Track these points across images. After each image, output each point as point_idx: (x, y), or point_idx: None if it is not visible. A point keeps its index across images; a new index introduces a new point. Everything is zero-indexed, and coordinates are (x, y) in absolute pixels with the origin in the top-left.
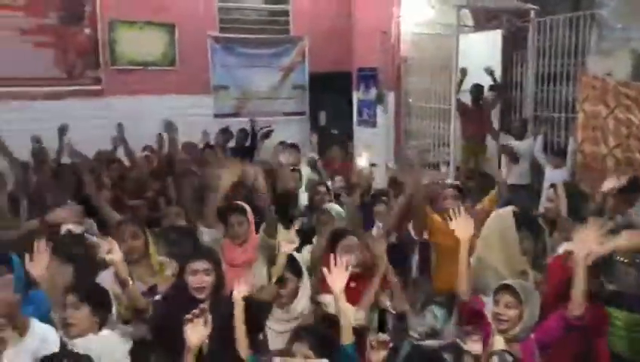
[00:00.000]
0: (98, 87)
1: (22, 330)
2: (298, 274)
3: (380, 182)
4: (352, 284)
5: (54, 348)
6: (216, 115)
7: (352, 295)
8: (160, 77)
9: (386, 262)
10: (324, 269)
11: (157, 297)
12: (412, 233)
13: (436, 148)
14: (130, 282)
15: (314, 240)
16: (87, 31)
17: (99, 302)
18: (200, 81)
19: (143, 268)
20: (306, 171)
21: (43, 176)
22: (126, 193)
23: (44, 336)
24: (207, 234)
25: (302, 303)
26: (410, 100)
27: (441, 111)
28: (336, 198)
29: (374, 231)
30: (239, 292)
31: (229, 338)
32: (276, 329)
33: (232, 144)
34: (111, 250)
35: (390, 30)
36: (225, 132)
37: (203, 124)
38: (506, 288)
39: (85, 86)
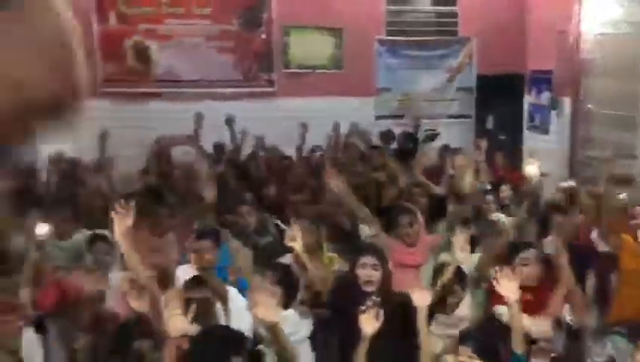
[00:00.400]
0: (271, 89)
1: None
2: (464, 286)
3: (551, 192)
4: (529, 296)
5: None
6: (377, 117)
7: (529, 307)
8: (327, 79)
9: (570, 274)
10: (494, 281)
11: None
12: (596, 244)
13: (617, 160)
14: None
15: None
16: (263, 36)
17: (289, 283)
18: (364, 84)
19: (314, 261)
20: (468, 179)
21: (225, 168)
22: (289, 189)
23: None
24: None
25: (464, 310)
26: (590, 106)
27: (626, 119)
28: (502, 208)
29: (548, 241)
30: (423, 299)
31: (397, 333)
32: (437, 333)
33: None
34: (294, 238)
35: (569, 29)
36: (387, 134)
37: (365, 126)
38: None
39: (259, 88)
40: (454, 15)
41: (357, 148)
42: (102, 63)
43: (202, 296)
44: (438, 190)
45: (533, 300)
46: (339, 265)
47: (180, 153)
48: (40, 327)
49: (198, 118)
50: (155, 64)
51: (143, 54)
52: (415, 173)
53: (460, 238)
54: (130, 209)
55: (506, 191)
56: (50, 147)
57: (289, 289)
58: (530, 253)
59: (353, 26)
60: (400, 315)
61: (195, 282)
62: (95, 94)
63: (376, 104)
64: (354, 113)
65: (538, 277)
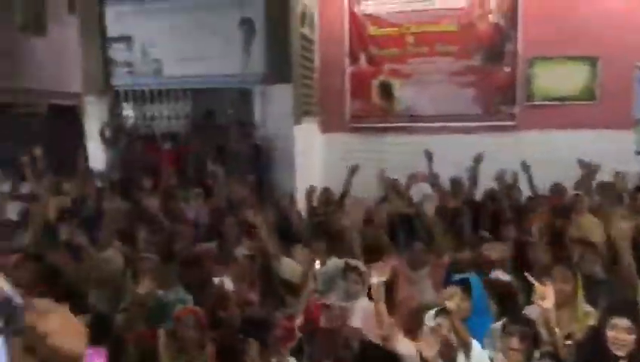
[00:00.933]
0: (512, 123)
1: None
2: None
3: None
4: None
5: None
6: (638, 153)
7: None
8: (576, 111)
9: None
10: None
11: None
12: None
13: None
14: (556, 330)
15: None
16: (506, 69)
17: (534, 338)
18: (621, 115)
19: (567, 314)
20: None
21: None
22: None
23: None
24: None
25: None
26: None
27: None
28: None
29: None
30: None
31: None
32: None
33: None
34: (544, 296)
35: None
36: None
37: (621, 162)
38: None
39: (500, 121)
40: None
41: (614, 190)
42: (350, 100)
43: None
44: None
45: None
46: (594, 320)
47: (416, 191)
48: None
49: (428, 154)
50: (398, 101)
51: (386, 91)
52: None
53: None
54: None
55: None
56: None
57: (531, 344)
58: None
59: (611, 54)
60: None
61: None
62: (344, 129)
63: (636, 137)
64: (609, 147)
65: None
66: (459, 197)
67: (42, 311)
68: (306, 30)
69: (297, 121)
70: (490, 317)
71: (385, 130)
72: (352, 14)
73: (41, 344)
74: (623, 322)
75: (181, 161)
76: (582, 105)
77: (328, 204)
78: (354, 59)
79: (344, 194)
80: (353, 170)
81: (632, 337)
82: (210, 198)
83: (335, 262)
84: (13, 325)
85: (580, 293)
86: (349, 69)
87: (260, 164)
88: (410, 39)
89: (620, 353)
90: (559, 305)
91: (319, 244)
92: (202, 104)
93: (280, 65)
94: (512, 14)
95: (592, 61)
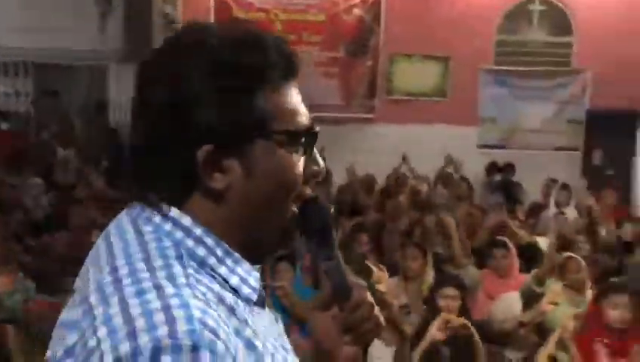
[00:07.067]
0: (372, 116)
1: None
2: None
3: None
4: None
5: None
6: (479, 146)
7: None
8: (429, 107)
9: None
10: None
11: None
12: None
13: None
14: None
15: None
16: (368, 63)
17: None
18: (468, 113)
19: (414, 286)
20: (572, 215)
21: None
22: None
23: None
24: None
25: None
26: None
27: None
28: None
29: None
30: None
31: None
32: None
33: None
34: (380, 280)
35: None
36: (491, 167)
37: (466, 155)
38: None
39: (361, 114)
40: (569, 46)
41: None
42: None
43: None
44: None
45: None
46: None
47: None
48: None
49: None
50: None
51: None
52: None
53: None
54: None
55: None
56: None
57: None
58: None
59: (460, 56)
60: None
61: None
62: None
63: (480, 133)
64: (455, 142)
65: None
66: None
67: None
68: (167, 8)
69: None
70: None
71: None
72: None
73: None
74: (450, 291)
75: (20, 143)
76: (434, 102)
77: None
78: None
79: None
80: None
81: (458, 303)
82: (57, 188)
83: None
84: None
85: (430, 269)
86: None
87: (116, 150)
88: (278, 26)
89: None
90: (408, 278)
91: None
92: (47, 81)
93: (139, 42)
94: (376, 10)
95: (444, 61)
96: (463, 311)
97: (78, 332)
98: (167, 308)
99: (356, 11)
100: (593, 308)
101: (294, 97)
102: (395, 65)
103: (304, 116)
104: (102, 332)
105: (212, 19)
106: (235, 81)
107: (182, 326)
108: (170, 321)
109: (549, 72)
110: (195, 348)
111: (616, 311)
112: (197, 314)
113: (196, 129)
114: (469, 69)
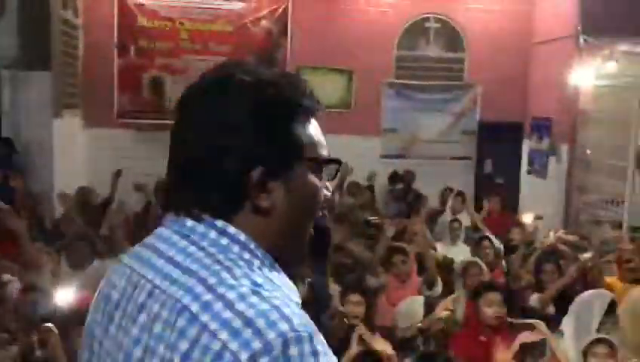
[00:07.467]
0: None
1: None
2: None
3: (546, 235)
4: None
5: None
6: (382, 156)
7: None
8: (335, 118)
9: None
10: None
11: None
12: None
13: (607, 206)
14: None
15: None
16: None
17: None
18: (371, 124)
19: None
20: (466, 222)
21: None
22: None
23: None
24: None
25: None
26: (589, 152)
27: (617, 168)
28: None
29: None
30: None
31: None
32: None
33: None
34: None
35: (568, 81)
36: (394, 176)
37: (370, 165)
38: None
39: None
40: (461, 61)
41: (359, 188)
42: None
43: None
44: None
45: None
46: None
47: None
48: None
49: None
50: (170, 97)
51: (157, 87)
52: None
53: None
54: None
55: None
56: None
57: None
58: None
59: (363, 69)
60: None
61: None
62: (112, 124)
63: (382, 144)
64: (360, 152)
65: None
66: None
67: None
68: (68, 14)
69: (57, 114)
70: None
71: (157, 126)
72: (121, 2)
73: None
74: (354, 297)
75: None
76: (340, 113)
77: (86, 205)
78: (123, 50)
79: (108, 200)
80: (117, 174)
81: (362, 309)
82: None
83: None
84: None
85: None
86: (117, 61)
87: (10, 160)
88: (184, 35)
89: (355, 322)
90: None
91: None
92: None
93: (36, 49)
94: (283, 22)
95: (348, 74)
96: (367, 317)
97: (185, 340)
98: (276, 308)
99: (264, 23)
100: (470, 307)
101: (319, 130)
102: (303, 77)
103: (325, 147)
104: (223, 335)
105: (115, 26)
106: (280, 114)
107: (296, 320)
108: (286, 318)
109: (443, 85)
110: (311, 337)
111: (491, 309)
112: (297, 309)
113: (248, 154)
114: (371, 82)
